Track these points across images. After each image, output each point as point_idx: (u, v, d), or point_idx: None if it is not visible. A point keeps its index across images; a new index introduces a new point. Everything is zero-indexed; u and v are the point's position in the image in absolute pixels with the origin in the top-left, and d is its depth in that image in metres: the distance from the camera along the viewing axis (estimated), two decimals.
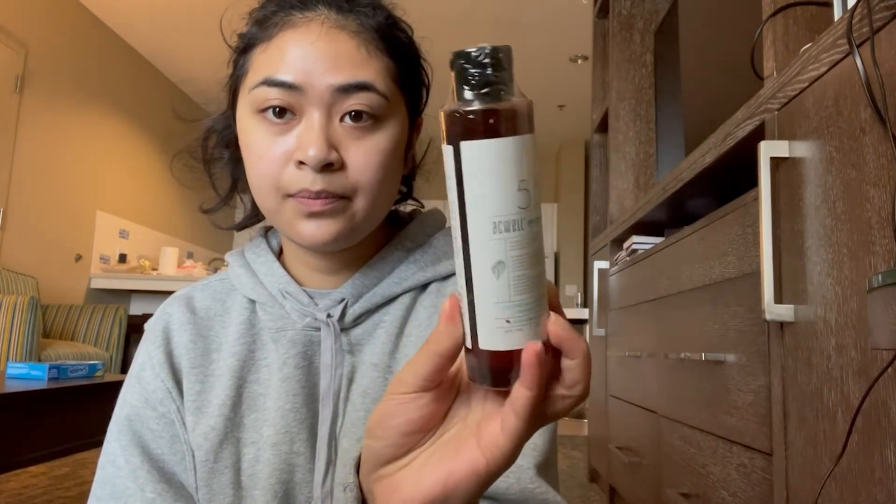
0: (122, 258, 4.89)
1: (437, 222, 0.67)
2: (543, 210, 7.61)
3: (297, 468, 0.57)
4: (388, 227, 0.66)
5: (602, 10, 2.68)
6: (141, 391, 0.61)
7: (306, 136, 0.52)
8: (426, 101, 0.64)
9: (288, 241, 0.63)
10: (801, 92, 0.84)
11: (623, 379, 1.86)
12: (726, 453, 1.06)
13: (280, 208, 0.55)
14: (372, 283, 0.61)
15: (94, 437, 2.01)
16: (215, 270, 5.56)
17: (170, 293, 4.80)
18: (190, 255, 6.04)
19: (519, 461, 0.53)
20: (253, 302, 0.63)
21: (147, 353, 0.63)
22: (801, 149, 0.84)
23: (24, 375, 1.96)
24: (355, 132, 0.53)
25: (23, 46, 3.91)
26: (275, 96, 0.52)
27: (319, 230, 0.54)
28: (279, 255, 0.66)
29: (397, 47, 0.57)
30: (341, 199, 0.54)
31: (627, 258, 1.84)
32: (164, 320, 0.64)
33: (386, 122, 0.55)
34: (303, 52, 0.52)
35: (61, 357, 3.39)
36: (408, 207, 0.70)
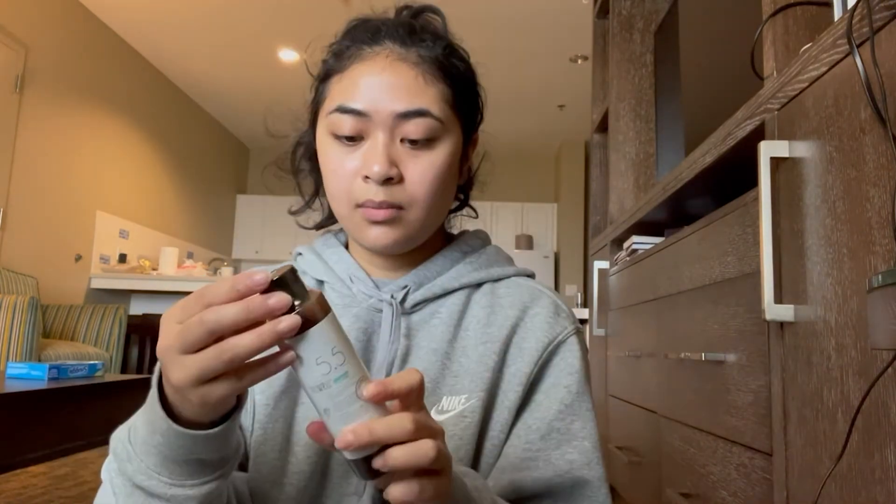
0: (122, 258, 4.89)
1: (486, 238, 0.77)
2: (544, 210, 7.63)
3: None
4: (442, 238, 0.75)
5: (602, 10, 2.68)
6: None
7: (371, 155, 0.61)
8: (481, 119, 0.72)
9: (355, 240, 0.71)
10: (801, 92, 0.84)
11: (623, 379, 1.86)
12: (726, 453, 1.06)
13: (351, 215, 0.64)
14: (433, 275, 0.69)
15: (94, 437, 2.01)
16: (215, 271, 5.56)
17: (170, 293, 4.73)
18: (190, 255, 6.04)
19: (589, 474, 0.63)
20: (319, 283, 0.71)
21: None
22: (801, 149, 0.84)
23: (24, 375, 1.96)
24: (413, 151, 0.62)
25: (23, 46, 3.91)
26: (346, 122, 0.61)
27: (382, 236, 0.63)
28: (346, 248, 0.74)
29: (454, 74, 0.65)
30: (399, 210, 0.62)
31: (627, 258, 1.84)
32: None
33: (440, 141, 0.63)
34: (370, 82, 0.61)
35: (61, 357, 3.39)
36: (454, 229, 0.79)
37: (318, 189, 0.74)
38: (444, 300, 0.68)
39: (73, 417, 1.92)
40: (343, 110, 0.61)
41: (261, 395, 0.65)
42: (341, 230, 0.76)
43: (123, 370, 4.27)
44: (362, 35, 0.64)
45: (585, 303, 6.20)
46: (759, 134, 0.95)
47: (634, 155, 2.27)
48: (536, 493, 0.62)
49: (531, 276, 0.75)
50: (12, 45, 3.82)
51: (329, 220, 0.77)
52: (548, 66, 5.23)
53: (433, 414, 0.63)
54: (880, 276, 0.51)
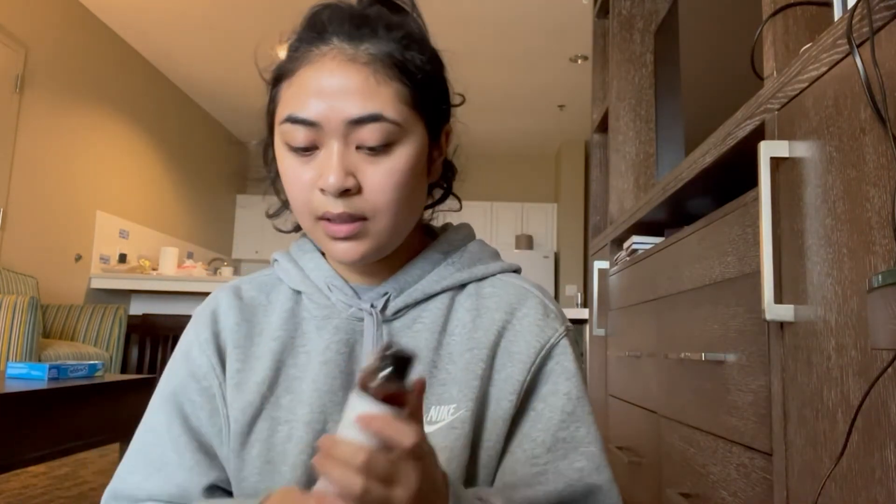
0: (122, 258, 4.89)
1: (469, 233, 0.73)
2: (544, 210, 7.63)
3: None
4: (423, 236, 0.71)
5: (602, 10, 2.68)
6: (188, 366, 0.66)
7: (325, 166, 0.57)
8: (450, 110, 0.67)
9: None
10: (801, 92, 0.84)
11: (623, 379, 1.86)
12: (726, 453, 1.06)
13: (314, 228, 0.61)
14: (413, 280, 0.66)
15: (94, 437, 2.01)
16: (215, 271, 5.56)
17: (170, 293, 4.74)
18: (190, 255, 6.04)
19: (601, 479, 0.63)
20: (297, 293, 0.69)
21: (195, 333, 0.68)
22: (801, 149, 0.84)
23: (24, 375, 1.96)
24: (371, 158, 0.58)
25: (23, 46, 3.91)
26: (298, 133, 0.57)
27: (349, 251, 0.60)
28: (322, 254, 0.71)
29: (410, 69, 0.59)
30: (362, 221, 0.59)
31: (627, 258, 1.84)
32: (213, 305, 0.70)
33: (399, 145, 0.59)
34: (317, 88, 0.57)
35: (61, 357, 3.39)
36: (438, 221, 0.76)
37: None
38: (426, 304, 0.66)
39: (73, 417, 1.92)
40: (293, 120, 0.58)
41: (235, 423, 0.63)
42: None
43: (123, 370, 4.27)
44: (309, 33, 0.60)
45: (585, 303, 6.20)
46: (759, 134, 0.95)
47: (634, 155, 2.27)
48: None
49: (517, 270, 0.73)
50: (12, 45, 3.82)
51: None
52: (548, 66, 5.23)
53: None
54: (880, 276, 0.51)
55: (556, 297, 7.15)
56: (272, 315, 0.68)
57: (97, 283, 4.63)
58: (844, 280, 0.73)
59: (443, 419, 0.61)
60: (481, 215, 7.53)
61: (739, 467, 1.01)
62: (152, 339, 4.48)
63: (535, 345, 0.64)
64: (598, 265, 2.20)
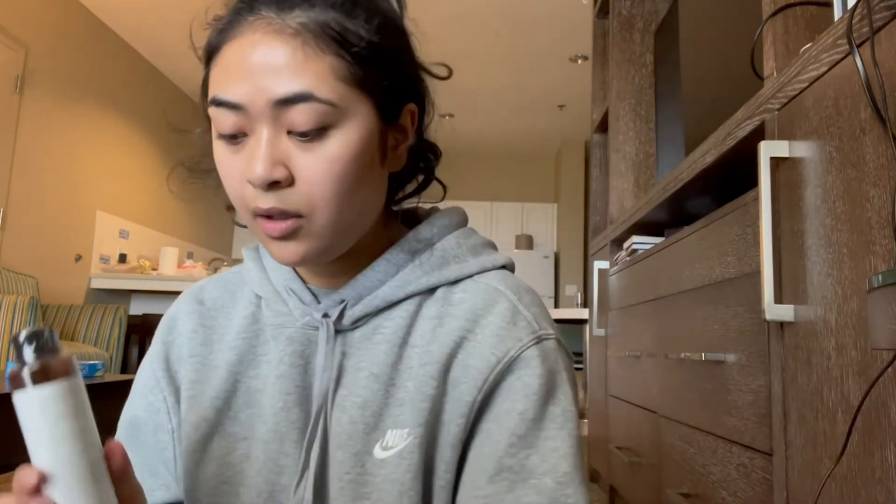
0: (122, 258, 4.89)
1: (451, 223, 0.62)
2: (544, 210, 7.64)
3: (286, 469, 0.56)
4: (397, 228, 0.63)
5: (602, 10, 2.68)
6: (139, 378, 0.65)
7: (253, 155, 0.50)
8: (416, 86, 0.58)
9: None
10: (801, 92, 0.84)
11: (623, 379, 1.86)
12: (726, 453, 1.06)
13: (253, 225, 0.53)
14: (374, 285, 0.57)
15: None
16: (215, 270, 5.56)
17: (170, 293, 4.75)
18: (190, 255, 6.03)
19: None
20: (259, 297, 0.63)
21: (152, 343, 0.66)
22: (801, 149, 0.84)
23: None
24: (304, 144, 0.50)
25: (23, 46, 3.91)
26: (225, 117, 0.50)
27: (286, 252, 0.52)
28: None
29: (349, 40, 0.50)
30: (296, 218, 0.51)
31: (627, 258, 1.84)
32: (174, 311, 0.66)
33: (338, 127, 0.50)
34: (241, 65, 0.49)
35: None
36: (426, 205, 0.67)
37: None
38: (389, 313, 0.57)
39: None
40: (217, 103, 0.50)
41: (187, 440, 0.59)
42: None
43: (123, 370, 4.27)
44: (239, 3, 0.52)
45: (585, 303, 6.20)
46: (759, 134, 0.96)
47: (634, 155, 2.27)
48: None
49: (505, 266, 0.62)
50: (12, 45, 3.82)
51: None
52: (548, 66, 5.23)
53: (377, 450, 0.54)
54: (880, 276, 0.51)
55: (556, 297, 7.15)
56: (234, 318, 0.62)
57: (97, 283, 4.63)
58: (844, 280, 0.73)
59: (396, 445, 0.53)
60: (481, 215, 7.53)
61: (739, 467, 1.01)
62: (152, 339, 4.47)
63: (492, 359, 0.54)
64: (598, 265, 2.20)
